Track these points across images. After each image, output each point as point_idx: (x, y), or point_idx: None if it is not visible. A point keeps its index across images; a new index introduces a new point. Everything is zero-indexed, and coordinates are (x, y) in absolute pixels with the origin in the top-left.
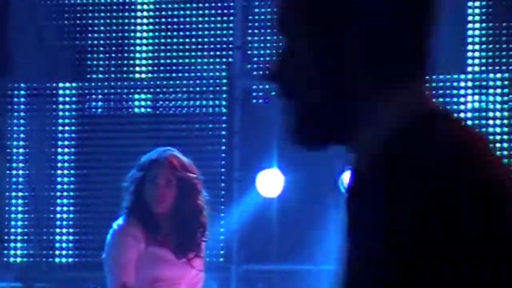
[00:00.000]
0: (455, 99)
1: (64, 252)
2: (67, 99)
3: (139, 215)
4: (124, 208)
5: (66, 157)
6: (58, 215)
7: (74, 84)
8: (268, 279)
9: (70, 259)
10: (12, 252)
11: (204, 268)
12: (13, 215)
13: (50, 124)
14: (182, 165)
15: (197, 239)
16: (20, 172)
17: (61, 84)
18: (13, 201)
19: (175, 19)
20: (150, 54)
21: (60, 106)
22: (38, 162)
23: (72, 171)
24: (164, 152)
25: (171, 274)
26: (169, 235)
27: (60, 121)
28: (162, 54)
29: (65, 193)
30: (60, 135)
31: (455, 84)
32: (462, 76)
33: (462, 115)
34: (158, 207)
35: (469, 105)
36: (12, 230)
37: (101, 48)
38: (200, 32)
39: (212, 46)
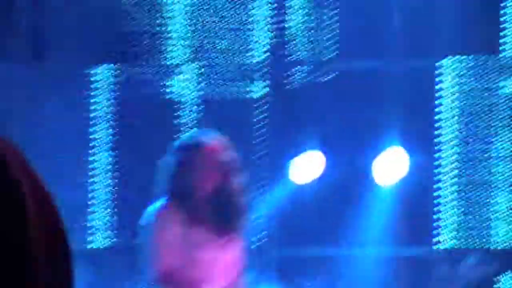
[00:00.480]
0: None
1: (98, 236)
2: (103, 82)
3: (179, 198)
4: (163, 191)
5: (102, 140)
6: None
7: (110, 67)
8: (307, 263)
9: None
10: None
11: (243, 251)
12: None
13: (86, 107)
14: (223, 148)
15: (236, 221)
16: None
17: (98, 70)
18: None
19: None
20: (184, 38)
21: (95, 90)
22: (74, 145)
23: (107, 154)
24: (205, 135)
25: (209, 256)
26: (207, 217)
27: (95, 105)
28: (198, 36)
29: (101, 177)
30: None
31: None
32: None
33: None
34: (199, 190)
35: None
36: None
37: (136, 32)
38: (237, 15)
39: (249, 29)
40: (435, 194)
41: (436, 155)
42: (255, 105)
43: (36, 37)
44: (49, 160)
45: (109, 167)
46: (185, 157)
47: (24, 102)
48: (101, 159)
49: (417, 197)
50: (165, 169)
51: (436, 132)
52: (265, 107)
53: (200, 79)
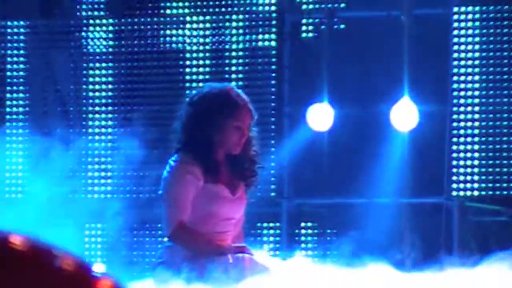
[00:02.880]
0: None
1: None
2: (103, 35)
3: (200, 154)
4: (182, 145)
5: (103, 94)
6: (109, 152)
7: (110, 21)
8: (318, 213)
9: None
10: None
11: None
12: None
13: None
14: (242, 100)
15: (250, 177)
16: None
17: (97, 21)
18: None
19: None
20: None
21: (97, 42)
22: (75, 100)
23: (109, 108)
24: (233, 90)
25: (227, 210)
26: (224, 172)
27: (97, 57)
28: None
29: (103, 130)
30: (97, 71)
31: None
32: None
33: None
34: (218, 147)
35: None
36: None
37: None
38: None
39: None
40: (453, 141)
41: (454, 103)
42: (267, 54)
43: None
44: None
45: (110, 120)
46: (199, 108)
47: None
48: (101, 112)
49: (431, 146)
50: (181, 122)
51: (453, 80)
52: (278, 55)
53: (210, 29)
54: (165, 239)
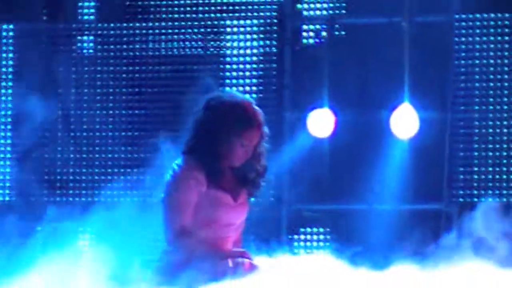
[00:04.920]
0: None
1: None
2: (117, 39)
3: (204, 160)
4: (188, 148)
5: (117, 97)
6: (110, 155)
7: (123, 25)
8: (318, 218)
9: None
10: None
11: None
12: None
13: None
14: (254, 111)
15: (254, 186)
16: (71, 112)
17: (112, 25)
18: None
19: None
20: None
21: (111, 47)
22: (89, 102)
23: (123, 111)
24: (251, 107)
25: (228, 217)
26: (227, 178)
27: (111, 61)
28: None
29: (116, 133)
30: (111, 75)
31: None
32: None
33: None
34: (225, 158)
35: None
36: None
37: None
38: None
39: None
40: (453, 148)
41: (454, 110)
42: (269, 59)
43: None
44: None
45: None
46: (213, 116)
47: None
48: (116, 116)
49: (431, 152)
50: (192, 125)
51: (453, 88)
52: (279, 60)
53: (212, 34)
54: (165, 243)
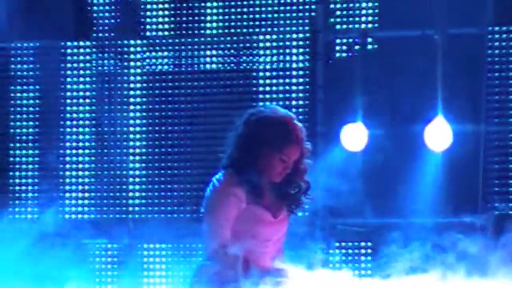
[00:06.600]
0: None
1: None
2: (132, 56)
3: (244, 176)
4: (228, 163)
5: (137, 114)
6: (131, 172)
7: (140, 41)
8: (352, 232)
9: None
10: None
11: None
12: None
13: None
14: (297, 127)
15: (298, 199)
16: (87, 129)
17: (131, 42)
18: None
19: None
20: (225, 10)
21: (126, 64)
22: (107, 120)
23: (143, 128)
24: (292, 123)
25: (266, 232)
26: (267, 195)
27: (131, 78)
28: (239, 10)
29: (137, 150)
30: (131, 92)
31: None
32: None
33: None
34: (266, 174)
35: None
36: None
37: (170, 5)
38: None
39: (294, 0)
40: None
41: (488, 123)
42: (301, 74)
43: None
44: None
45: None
46: (253, 130)
47: None
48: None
49: (466, 165)
50: (233, 139)
51: (487, 100)
52: (312, 75)
53: (244, 49)
54: (204, 258)
